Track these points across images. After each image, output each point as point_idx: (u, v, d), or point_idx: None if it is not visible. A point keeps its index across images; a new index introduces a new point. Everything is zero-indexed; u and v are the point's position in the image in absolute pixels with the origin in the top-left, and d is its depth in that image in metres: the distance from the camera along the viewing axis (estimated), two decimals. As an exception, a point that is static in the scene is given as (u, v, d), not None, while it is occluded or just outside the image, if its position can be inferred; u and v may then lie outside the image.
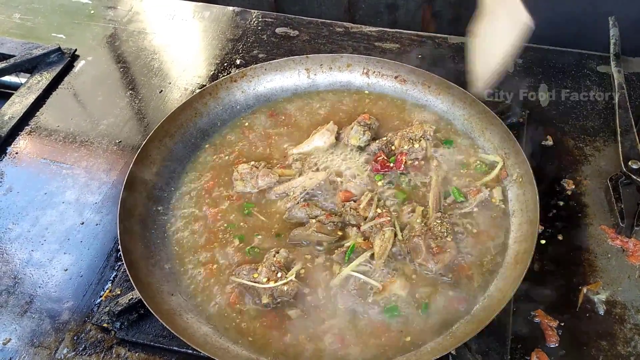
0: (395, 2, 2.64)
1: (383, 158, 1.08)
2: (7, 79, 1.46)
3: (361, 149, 1.13)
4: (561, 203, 1.09)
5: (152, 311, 0.87)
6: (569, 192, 1.11)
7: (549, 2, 1.44)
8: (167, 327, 0.85)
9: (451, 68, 1.37)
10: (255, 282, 0.92)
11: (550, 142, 1.20)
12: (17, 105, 1.29)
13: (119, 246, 1.02)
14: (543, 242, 1.02)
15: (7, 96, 1.46)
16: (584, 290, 0.97)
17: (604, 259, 1.01)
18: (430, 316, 0.91)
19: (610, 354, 0.90)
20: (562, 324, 0.93)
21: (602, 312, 0.95)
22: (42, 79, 1.35)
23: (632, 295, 0.96)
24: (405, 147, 1.09)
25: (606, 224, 1.06)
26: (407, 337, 0.89)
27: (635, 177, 1.07)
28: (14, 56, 1.39)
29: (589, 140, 1.20)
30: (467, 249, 0.98)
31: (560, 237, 1.04)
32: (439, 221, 0.98)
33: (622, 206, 1.05)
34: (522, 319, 0.94)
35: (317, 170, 1.08)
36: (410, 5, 2.65)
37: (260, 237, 1.01)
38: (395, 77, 1.22)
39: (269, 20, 1.52)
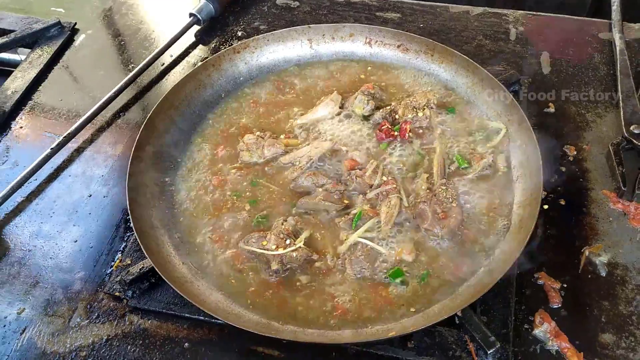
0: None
1: (387, 127, 1.09)
2: (6, 55, 1.46)
3: (365, 118, 1.13)
4: (563, 169, 1.11)
5: (164, 279, 0.88)
6: (571, 158, 1.12)
7: None
8: (180, 294, 0.87)
9: (452, 37, 1.37)
10: (264, 249, 0.93)
11: (552, 109, 1.21)
12: (19, 80, 1.29)
13: (128, 217, 1.04)
14: (546, 207, 1.04)
15: (6, 73, 1.47)
16: (586, 252, 0.99)
17: (605, 222, 1.03)
18: (433, 281, 0.93)
19: (612, 313, 0.93)
20: (565, 286, 0.96)
21: (603, 274, 0.97)
22: (43, 54, 1.35)
23: (633, 257, 0.98)
24: (409, 115, 1.10)
25: (608, 189, 1.07)
26: (409, 302, 0.91)
27: (636, 142, 1.09)
28: (14, 31, 1.38)
29: (590, 107, 1.21)
30: (471, 214, 0.99)
31: (562, 202, 1.06)
32: (444, 187, 0.99)
33: (624, 170, 1.07)
34: (526, 281, 0.96)
35: (323, 139, 1.09)
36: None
37: (268, 205, 1.03)
38: (398, 46, 1.23)
39: (270, -9, 1.51)
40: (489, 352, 0.86)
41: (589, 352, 0.89)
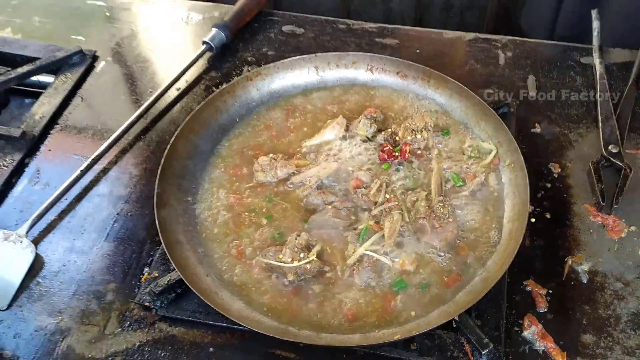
0: (388, -10, 2.72)
1: (389, 148, 1.20)
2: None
3: (369, 139, 1.24)
4: (549, 185, 1.22)
5: (193, 290, 0.99)
6: (556, 175, 1.24)
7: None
8: (208, 303, 0.97)
9: (447, 62, 1.48)
10: (281, 262, 1.04)
11: (538, 130, 1.32)
12: (46, 106, 1.39)
13: (154, 233, 1.15)
14: (533, 220, 1.15)
15: (29, 94, 1.57)
16: (569, 261, 1.10)
17: (586, 233, 1.14)
18: (432, 289, 1.04)
19: (592, 316, 1.04)
20: (550, 292, 1.07)
21: (585, 281, 1.08)
22: (67, 80, 1.45)
23: (611, 265, 1.10)
24: (409, 137, 1.21)
25: (589, 203, 1.18)
26: (411, 309, 1.02)
27: (614, 160, 1.20)
28: (38, 58, 1.48)
29: (573, 127, 1.33)
30: (466, 228, 1.10)
31: (548, 215, 1.17)
32: (441, 204, 1.10)
33: (603, 186, 1.18)
34: (516, 288, 1.07)
35: (330, 160, 1.20)
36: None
37: (282, 221, 1.13)
38: (397, 73, 1.34)
39: (275, 19, 1.62)
40: (483, 352, 0.96)
41: (572, 352, 1.00)
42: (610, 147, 1.22)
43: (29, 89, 1.53)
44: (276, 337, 0.96)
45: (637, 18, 1.55)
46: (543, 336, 1.01)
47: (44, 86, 1.51)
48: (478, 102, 1.24)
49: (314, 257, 1.04)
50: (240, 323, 0.96)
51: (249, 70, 1.43)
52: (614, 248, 1.12)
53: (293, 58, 1.35)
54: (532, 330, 1.02)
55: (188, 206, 1.16)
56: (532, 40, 1.53)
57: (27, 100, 1.61)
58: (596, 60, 1.43)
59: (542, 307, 1.05)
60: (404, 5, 2.78)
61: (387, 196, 1.13)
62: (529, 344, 1.01)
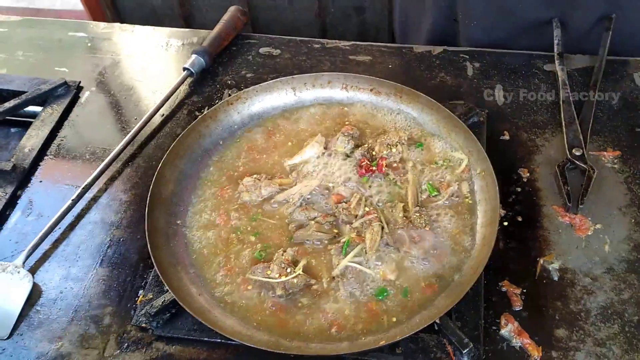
0: (361, 5, 2.81)
1: (366, 163, 1.26)
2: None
3: (347, 156, 1.31)
4: (519, 189, 1.29)
5: (187, 310, 1.04)
6: (525, 179, 1.31)
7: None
8: (203, 322, 1.03)
9: (418, 75, 1.55)
10: (269, 278, 1.10)
11: (507, 137, 1.40)
12: (34, 138, 1.44)
13: (146, 257, 1.20)
14: (506, 223, 1.22)
15: (14, 123, 1.60)
16: (541, 261, 1.17)
17: (555, 234, 1.21)
18: (413, 296, 1.10)
19: (564, 312, 1.10)
20: (524, 291, 1.13)
21: (556, 278, 1.15)
22: (54, 112, 1.50)
23: (580, 262, 1.17)
24: (385, 152, 1.27)
25: (557, 204, 1.26)
26: (394, 315, 1.08)
27: (578, 163, 1.28)
28: (24, 92, 1.52)
29: (539, 133, 1.40)
30: (442, 236, 1.17)
31: (519, 218, 1.24)
32: (418, 214, 1.17)
33: (569, 188, 1.25)
34: (492, 289, 1.13)
35: (311, 178, 1.26)
36: (376, 7, 2.83)
37: (268, 238, 1.19)
38: (371, 90, 1.40)
39: (253, 41, 1.69)
40: (464, 351, 1.02)
41: (547, 346, 1.06)
42: (574, 150, 1.30)
43: (13, 118, 1.57)
44: (268, 349, 1.01)
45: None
46: (519, 333, 1.07)
47: (29, 115, 1.55)
48: (448, 114, 1.30)
49: (300, 272, 1.10)
50: (233, 338, 1.02)
51: (229, 94, 1.49)
52: (581, 246, 1.19)
53: (271, 81, 1.41)
54: (508, 328, 1.08)
55: (178, 229, 1.21)
56: (498, 50, 1.60)
57: (12, 130, 1.65)
58: (558, 67, 1.50)
59: (518, 305, 1.11)
60: (376, 16, 2.87)
61: (367, 209, 1.19)
62: (506, 341, 1.07)
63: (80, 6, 3.62)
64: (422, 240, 1.13)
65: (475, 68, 1.56)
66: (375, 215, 1.18)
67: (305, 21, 2.91)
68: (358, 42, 1.66)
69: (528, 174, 1.32)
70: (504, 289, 1.14)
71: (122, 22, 1.90)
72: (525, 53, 1.59)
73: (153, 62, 1.65)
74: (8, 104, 1.48)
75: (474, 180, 1.24)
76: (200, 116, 1.36)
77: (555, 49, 1.55)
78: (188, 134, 1.31)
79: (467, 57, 1.59)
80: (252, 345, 1.02)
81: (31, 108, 1.55)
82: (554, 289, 1.14)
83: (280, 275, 1.10)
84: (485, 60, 1.58)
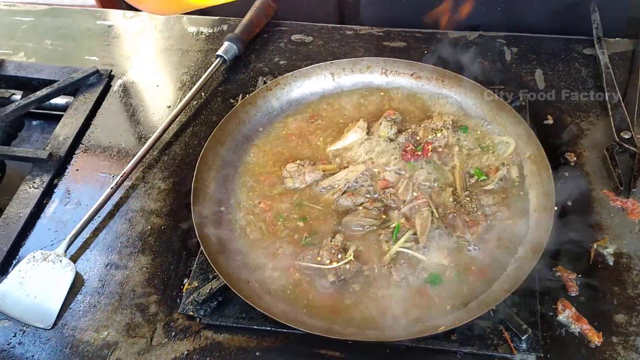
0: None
1: (411, 148, 1.24)
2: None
3: (390, 141, 1.28)
4: (567, 173, 1.26)
5: (240, 297, 1.02)
6: (572, 164, 1.28)
7: None
8: (256, 308, 1.00)
9: (455, 60, 1.52)
10: (320, 264, 1.07)
11: (550, 121, 1.37)
12: (68, 127, 1.42)
13: (192, 245, 1.18)
14: (555, 208, 1.19)
15: (49, 117, 1.59)
16: (595, 246, 1.14)
17: (608, 218, 1.18)
18: (468, 281, 1.08)
19: (622, 297, 1.08)
20: (580, 276, 1.11)
21: (611, 263, 1.12)
22: (86, 101, 1.47)
23: (634, 246, 1.14)
24: (429, 136, 1.25)
25: (607, 188, 1.23)
26: (450, 301, 1.05)
27: (627, 146, 1.25)
28: (55, 81, 1.50)
29: (583, 117, 1.37)
30: (494, 220, 1.14)
31: (569, 203, 1.21)
32: (469, 198, 1.14)
33: (619, 172, 1.23)
34: (546, 274, 1.11)
35: (356, 163, 1.23)
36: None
37: (315, 224, 1.17)
38: (411, 75, 1.38)
39: (284, 28, 1.66)
40: (522, 338, 1.00)
41: (606, 331, 1.04)
42: (622, 133, 1.27)
43: (35, 110, 1.54)
44: (324, 336, 0.99)
45: None
46: (578, 319, 1.05)
47: (51, 108, 1.54)
48: (493, 98, 1.28)
49: (351, 257, 1.08)
50: (288, 325, 0.99)
51: (264, 81, 1.46)
52: (635, 230, 1.16)
53: (309, 67, 1.39)
54: (566, 314, 1.05)
55: (223, 216, 1.18)
56: (535, 35, 1.57)
57: (34, 122, 1.64)
58: (598, 51, 1.48)
59: (574, 291, 1.09)
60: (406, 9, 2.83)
61: (415, 194, 1.17)
62: (564, 327, 1.05)
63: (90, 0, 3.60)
64: (476, 225, 1.10)
65: (513, 53, 1.53)
66: (424, 200, 1.15)
67: (324, 11, 2.87)
68: (391, 28, 1.63)
69: (575, 158, 1.29)
70: (558, 274, 1.11)
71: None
72: (564, 37, 1.56)
73: (184, 50, 1.63)
74: (40, 93, 1.46)
75: (523, 164, 1.21)
76: (239, 102, 1.34)
77: (595, 33, 1.52)
78: (228, 120, 1.29)
79: (504, 42, 1.57)
80: (307, 332, 0.99)
81: (54, 101, 1.53)
82: (610, 274, 1.11)
83: (331, 262, 1.07)
84: (523, 45, 1.55)
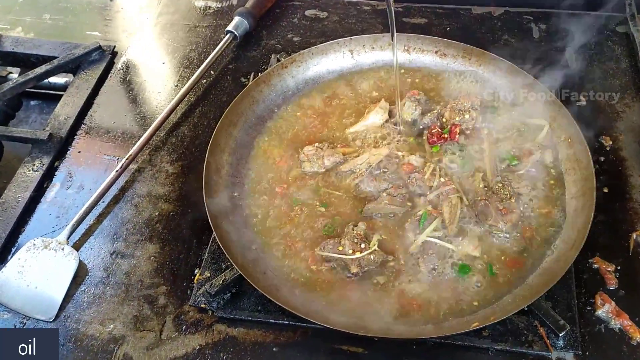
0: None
1: (437, 130, 1.16)
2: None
3: (414, 123, 1.20)
4: (602, 159, 1.18)
5: (257, 288, 0.94)
6: (608, 148, 1.20)
7: None
8: (274, 301, 0.93)
9: (479, 37, 1.44)
10: (342, 254, 1.00)
11: (583, 102, 1.29)
12: (69, 106, 1.33)
13: (203, 232, 1.10)
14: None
15: (47, 97, 1.51)
16: (634, 235, 1.07)
17: (647, 206, 1.11)
18: (501, 273, 1.00)
19: (665, 290, 1.01)
20: (618, 268, 1.03)
21: (653, 254, 1.05)
22: (88, 78, 1.39)
23: (677, 236, 1.07)
24: (457, 118, 1.16)
25: (645, 174, 1.16)
26: (482, 294, 0.98)
27: (667, 129, 1.17)
28: (55, 57, 1.41)
29: (619, 98, 1.29)
30: (528, 208, 1.07)
31: (605, 190, 1.14)
32: (501, 184, 1.06)
33: (659, 156, 1.15)
34: (583, 266, 1.04)
35: (378, 146, 1.15)
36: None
37: (336, 211, 1.09)
38: (436, 52, 1.29)
39: (297, 3, 1.57)
40: (560, 334, 0.93)
41: (649, 328, 0.97)
42: (661, 116, 1.19)
43: (33, 90, 1.46)
44: (348, 332, 0.92)
45: None
46: (618, 314, 0.98)
47: (49, 87, 1.46)
48: (525, 77, 1.20)
49: (375, 247, 1.00)
50: (308, 319, 0.92)
51: (277, 59, 1.38)
52: (676, 218, 1.09)
53: (327, 43, 1.30)
54: (605, 309, 0.98)
55: (236, 202, 1.11)
56: (563, 11, 1.48)
57: (32, 102, 1.56)
58: (632, 29, 1.39)
59: (612, 284, 1.02)
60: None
61: (442, 179, 1.09)
62: (604, 323, 0.98)
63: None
64: (509, 213, 1.02)
65: (541, 30, 1.45)
66: (453, 186, 1.08)
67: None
68: (411, 4, 1.54)
69: (611, 142, 1.21)
70: (595, 265, 1.04)
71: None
72: (594, 14, 1.47)
73: (191, 25, 1.54)
74: (39, 70, 1.38)
75: (559, 148, 1.13)
76: (252, 80, 1.25)
77: (627, 10, 1.44)
78: (241, 100, 1.21)
79: (532, 18, 1.48)
80: (330, 327, 0.92)
81: (53, 79, 1.45)
82: (651, 266, 1.04)
83: (354, 252, 1.00)
84: (551, 21, 1.46)
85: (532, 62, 1.36)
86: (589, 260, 1.05)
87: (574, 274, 1.02)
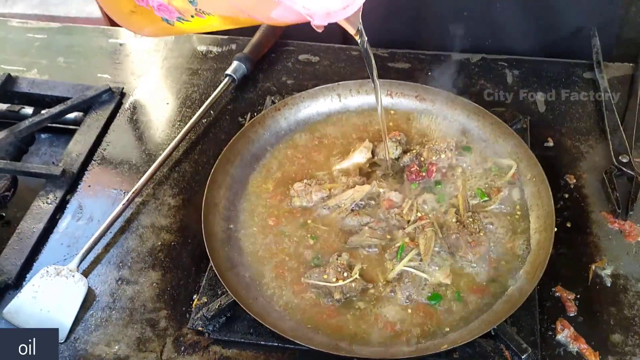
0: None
1: (416, 168, 1.27)
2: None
3: (395, 161, 1.32)
4: (566, 195, 1.30)
5: (248, 312, 1.05)
6: (572, 186, 1.32)
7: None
8: (263, 323, 1.03)
9: (458, 82, 1.56)
10: (326, 282, 1.10)
11: (551, 144, 1.41)
12: (81, 144, 1.45)
13: (201, 261, 1.21)
14: (555, 229, 1.22)
15: (57, 130, 1.63)
16: (593, 267, 1.18)
17: (606, 240, 1.22)
18: (469, 300, 1.11)
19: (619, 317, 1.11)
20: (578, 296, 1.14)
21: (609, 284, 1.15)
22: (99, 118, 1.51)
23: (631, 268, 1.17)
24: (434, 157, 1.28)
25: (605, 211, 1.26)
26: (452, 319, 1.09)
27: (625, 170, 1.29)
28: (68, 98, 1.54)
29: (583, 140, 1.41)
30: (496, 241, 1.18)
31: (568, 225, 1.25)
32: (471, 219, 1.17)
33: (617, 195, 1.26)
34: (545, 294, 1.14)
35: (362, 183, 1.27)
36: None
37: (322, 242, 1.20)
38: (416, 96, 1.42)
39: (291, 48, 1.70)
40: (522, 357, 1.03)
41: (603, 351, 1.07)
42: (620, 157, 1.31)
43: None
44: (329, 352, 1.02)
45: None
46: (575, 338, 1.08)
47: (59, 121, 1.57)
48: (495, 120, 1.32)
49: (357, 275, 1.11)
50: (294, 341, 1.02)
51: (272, 100, 1.50)
52: (632, 252, 1.20)
53: (317, 88, 1.43)
54: (564, 334, 1.09)
55: (231, 234, 1.22)
56: (535, 58, 1.62)
57: (43, 136, 1.67)
58: (598, 76, 1.52)
59: (572, 311, 1.12)
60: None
61: (419, 214, 1.20)
62: (563, 347, 1.08)
63: (97, 14, 3.64)
64: (478, 245, 1.13)
65: (514, 75, 1.58)
66: (428, 220, 1.19)
67: (330, 31, 2.92)
68: (396, 50, 1.67)
69: (575, 181, 1.32)
70: (557, 294, 1.14)
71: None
72: (564, 61, 1.60)
73: (193, 68, 1.67)
74: (54, 110, 1.50)
75: (525, 186, 1.25)
76: (248, 122, 1.37)
77: (594, 57, 1.57)
78: (237, 139, 1.32)
79: (506, 64, 1.61)
80: (312, 348, 1.02)
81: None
82: (607, 295, 1.14)
83: (337, 279, 1.10)
84: (524, 67, 1.59)
85: (504, 106, 1.49)
86: (552, 289, 1.15)
87: (538, 302, 1.12)
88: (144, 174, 1.36)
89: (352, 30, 1.02)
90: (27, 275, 1.22)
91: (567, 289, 1.15)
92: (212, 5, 0.89)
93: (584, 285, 1.16)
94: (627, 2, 2.25)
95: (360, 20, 1.01)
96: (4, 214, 1.44)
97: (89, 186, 1.39)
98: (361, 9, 0.94)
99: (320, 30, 0.88)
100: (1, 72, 1.61)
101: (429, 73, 1.60)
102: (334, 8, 0.86)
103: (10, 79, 1.60)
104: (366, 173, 1.31)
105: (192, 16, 0.93)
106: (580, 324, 1.10)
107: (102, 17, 3.47)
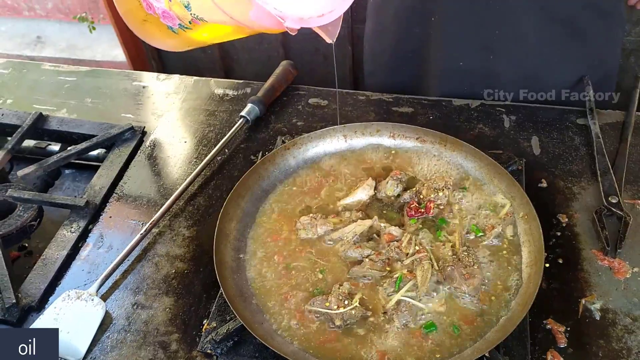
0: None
1: (415, 205, 1.36)
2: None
3: (396, 198, 1.40)
4: (559, 233, 1.37)
5: (255, 336, 1.12)
6: (564, 224, 1.39)
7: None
8: (269, 347, 1.10)
9: (458, 126, 1.66)
10: (328, 309, 1.18)
11: (544, 185, 1.49)
12: (104, 178, 1.56)
13: (211, 289, 1.29)
14: (547, 265, 1.29)
15: (80, 166, 1.74)
16: (583, 301, 1.24)
17: (596, 276, 1.28)
18: (462, 329, 1.17)
19: (607, 349, 1.16)
20: (568, 329, 1.19)
21: (598, 318, 1.21)
22: (121, 154, 1.62)
23: (620, 303, 1.23)
24: (432, 195, 1.37)
25: (595, 248, 1.33)
26: (445, 347, 1.15)
27: (615, 210, 1.36)
28: (94, 135, 1.66)
29: (575, 181, 1.49)
30: (489, 274, 1.25)
31: (560, 261, 1.31)
32: (466, 253, 1.25)
33: (607, 233, 1.33)
34: (537, 326, 1.20)
35: (364, 218, 1.35)
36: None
37: (326, 273, 1.28)
38: (417, 138, 1.51)
39: (302, 92, 1.82)
40: (513, 384, 1.09)
41: (592, 382, 1.12)
42: (610, 198, 1.38)
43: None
44: (330, 376, 1.08)
45: None
46: (565, 369, 1.13)
47: (85, 158, 1.70)
48: (491, 162, 1.40)
49: (357, 304, 1.18)
50: (297, 364, 1.09)
51: (282, 140, 1.61)
52: (621, 288, 1.26)
53: (324, 129, 1.53)
54: (555, 364, 1.14)
55: (241, 263, 1.30)
56: (532, 104, 1.71)
57: (66, 172, 1.79)
58: (590, 122, 1.61)
59: (562, 342, 1.17)
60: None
61: (417, 248, 1.28)
62: (553, 377, 1.13)
63: (120, 58, 3.84)
64: (472, 278, 1.20)
65: (512, 120, 1.67)
66: (425, 254, 1.26)
67: (339, 77, 3.07)
68: (400, 95, 1.78)
69: (567, 220, 1.40)
70: (548, 326, 1.20)
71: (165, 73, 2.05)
72: (559, 108, 1.70)
73: (210, 110, 1.79)
74: (80, 146, 1.62)
75: (518, 223, 1.32)
76: (260, 160, 1.48)
77: (587, 105, 1.66)
78: (249, 176, 1.42)
79: (504, 110, 1.71)
80: (315, 372, 1.09)
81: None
82: (596, 328, 1.20)
83: (338, 307, 1.17)
84: (521, 113, 1.69)
85: (501, 149, 1.58)
86: (544, 321, 1.21)
87: (529, 333, 1.18)
88: (161, 207, 1.46)
89: (327, 39, 1.03)
90: (50, 299, 1.31)
91: (558, 321, 1.21)
92: (203, 10, 0.95)
93: (574, 319, 1.21)
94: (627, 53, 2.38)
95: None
96: (27, 245, 1.54)
97: (110, 217, 1.49)
98: (341, 19, 0.95)
99: (293, 34, 0.89)
100: (33, 110, 1.74)
101: (431, 117, 1.70)
102: (309, 14, 0.86)
103: (41, 117, 1.73)
104: (368, 208, 1.39)
105: (190, 22, 1.01)
106: (570, 355, 1.16)
107: (127, 60, 3.67)
